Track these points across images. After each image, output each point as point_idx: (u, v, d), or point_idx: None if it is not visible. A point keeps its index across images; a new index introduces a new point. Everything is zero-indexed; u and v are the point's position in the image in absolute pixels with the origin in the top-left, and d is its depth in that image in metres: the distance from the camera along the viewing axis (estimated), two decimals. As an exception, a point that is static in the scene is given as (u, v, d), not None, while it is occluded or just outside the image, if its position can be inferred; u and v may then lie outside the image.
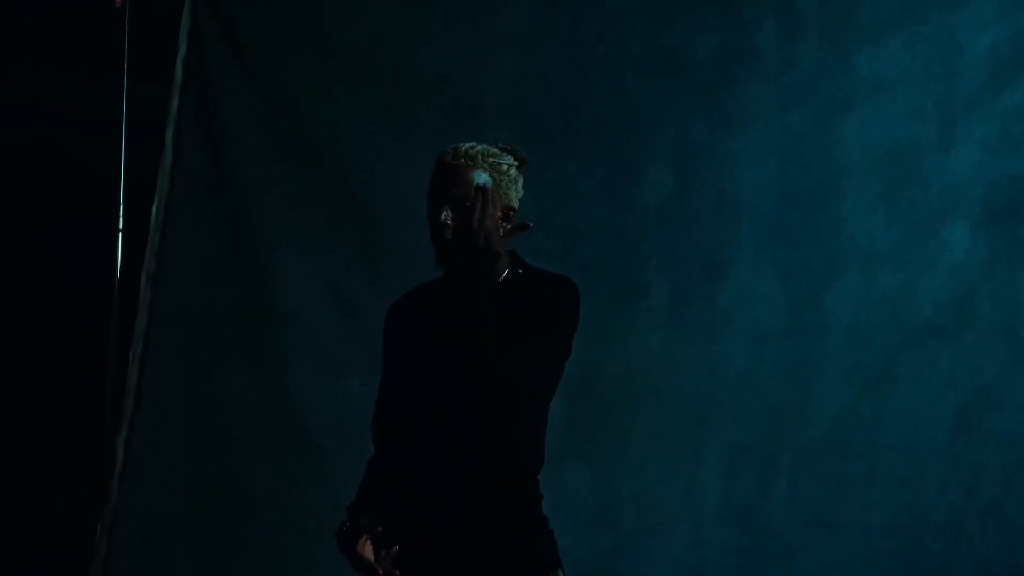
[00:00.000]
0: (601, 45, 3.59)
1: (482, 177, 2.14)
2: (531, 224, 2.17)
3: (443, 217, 2.12)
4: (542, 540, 2.18)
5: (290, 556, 3.53)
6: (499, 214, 2.16)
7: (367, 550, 2.13)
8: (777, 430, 3.37)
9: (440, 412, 2.12)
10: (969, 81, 3.29)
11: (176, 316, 3.72)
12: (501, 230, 2.14)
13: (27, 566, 5.03)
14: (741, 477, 3.38)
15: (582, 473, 3.45)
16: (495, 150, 2.18)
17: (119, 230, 3.77)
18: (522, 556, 2.12)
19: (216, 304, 3.72)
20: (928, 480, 3.23)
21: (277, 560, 3.55)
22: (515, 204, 2.20)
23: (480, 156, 2.15)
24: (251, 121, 3.73)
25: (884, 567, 3.23)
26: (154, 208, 3.72)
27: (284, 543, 3.55)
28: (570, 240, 3.48)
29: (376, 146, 3.67)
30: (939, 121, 3.31)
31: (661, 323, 3.49)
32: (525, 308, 2.10)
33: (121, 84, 3.81)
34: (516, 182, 2.20)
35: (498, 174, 2.16)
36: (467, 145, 2.17)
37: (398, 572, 2.09)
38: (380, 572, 2.09)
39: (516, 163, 2.20)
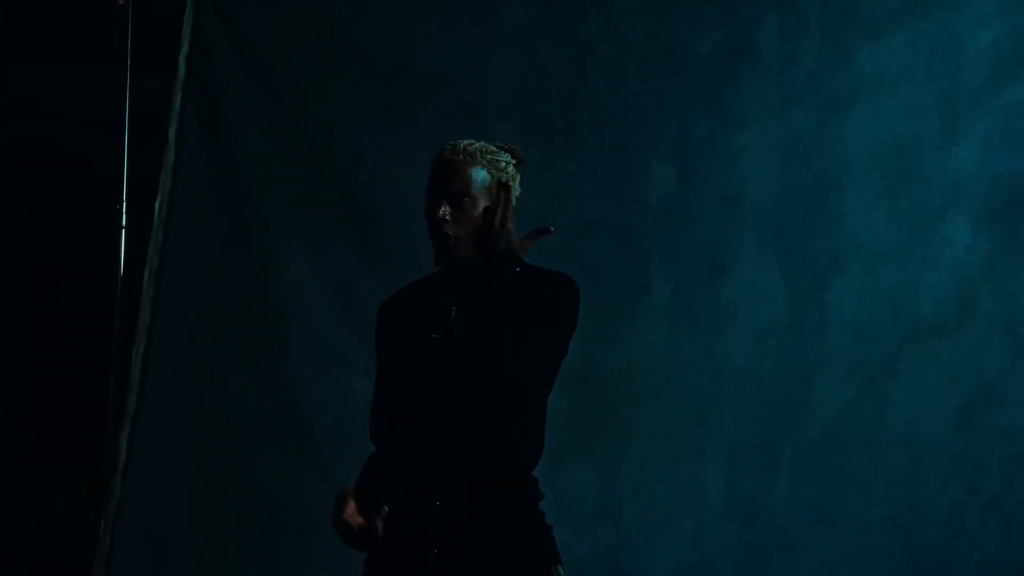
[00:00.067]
0: (602, 43, 3.59)
1: (480, 174, 2.14)
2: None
3: (441, 212, 2.12)
4: (542, 539, 2.17)
5: (293, 553, 3.54)
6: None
7: (350, 509, 2.08)
8: (779, 427, 3.37)
9: (440, 411, 2.11)
10: (971, 77, 3.28)
11: (179, 313, 3.72)
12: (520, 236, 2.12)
13: (28, 566, 5.02)
14: (743, 474, 3.38)
15: (584, 470, 3.45)
16: (494, 147, 2.19)
17: (122, 227, 3.78)
18: (522, 555, 2.12)
19: (219, 301, 3.73)
20: (929, 477, 3.22)
21: (280, 557, 3.56)
22: (512, 202, 2.20)
23: (479, 153, 2.16)
24: (253, 119, 3.74)
25: (885, 564, 3.23)
26: (157, 205, 3.73)
27: (287, 540, 3.55)
28: (572, 238, 3.48)
29: (377, 145, 3.67)
30: (941, 118, 3.30)
31: (663, 320, 3.49)
32: (526, 308, 2.09)
33: (124, 82, 3.82)
34: (514, 180, 2.20)
35: (496, 171, 2.17)
36: (466, 142, 2.17)
37: (381, 524, 2.03)
38: (355, 525, 2.03)
39: (514, 161, 2.21)
